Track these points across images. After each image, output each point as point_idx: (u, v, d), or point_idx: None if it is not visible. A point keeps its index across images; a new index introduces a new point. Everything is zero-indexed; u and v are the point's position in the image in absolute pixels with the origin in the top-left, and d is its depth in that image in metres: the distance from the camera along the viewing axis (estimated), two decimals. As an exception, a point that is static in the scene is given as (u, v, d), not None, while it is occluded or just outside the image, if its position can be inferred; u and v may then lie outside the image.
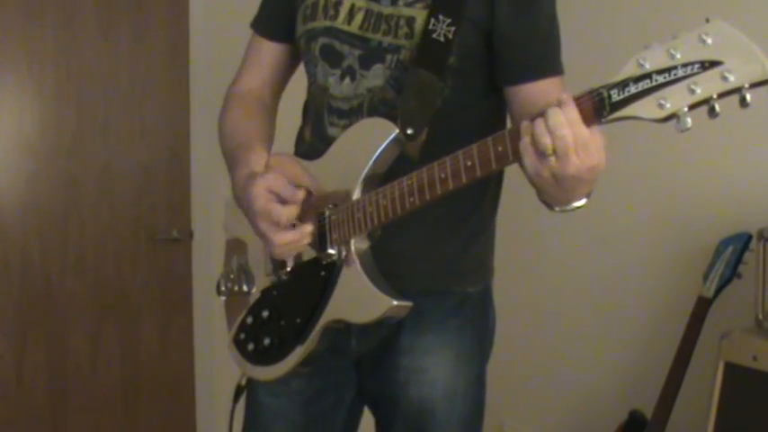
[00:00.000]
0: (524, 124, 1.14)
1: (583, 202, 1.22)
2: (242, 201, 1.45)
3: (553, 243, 3.00)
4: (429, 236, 1.49)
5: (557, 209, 1.25)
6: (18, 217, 3.13)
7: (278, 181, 1.39)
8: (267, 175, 1.41)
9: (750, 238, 2.32)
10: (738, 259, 2.33)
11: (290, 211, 1.39)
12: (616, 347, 2.90)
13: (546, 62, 1.45)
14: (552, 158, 1.11)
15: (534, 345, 3.16)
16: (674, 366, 2.35)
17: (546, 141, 1.10)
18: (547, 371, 3.14)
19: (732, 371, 2.15)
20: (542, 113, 1.11)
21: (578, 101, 1.07)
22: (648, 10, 2.72)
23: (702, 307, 2.34)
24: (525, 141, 1.13)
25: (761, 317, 2.17)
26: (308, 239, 1.41)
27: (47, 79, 3.14)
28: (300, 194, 1.39)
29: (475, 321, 1.56)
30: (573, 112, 1.09)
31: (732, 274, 2.33)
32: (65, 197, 3.19)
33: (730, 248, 2.35)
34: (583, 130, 1.09)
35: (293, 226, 1.40)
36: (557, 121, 1.09)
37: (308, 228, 1.40)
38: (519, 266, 2.93)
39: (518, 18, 1.41)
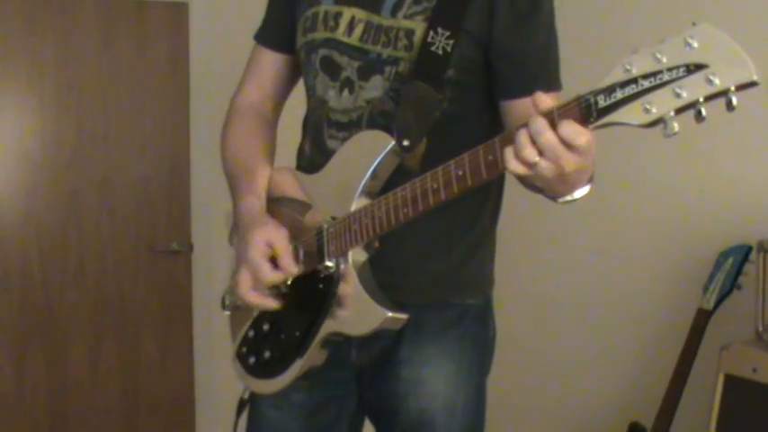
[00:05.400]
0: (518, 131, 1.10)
1: (587, 189, 1.20)
2: (241, 235, 1.46)
3: (552, 254, 3.00)
4: (429, 247, 1.49)
5: (560, 201, 1.22)
6: (18, 229, 3.13)
7: (281, 241, 1.41)
8: (276, 229, 1.42)
9: (750, 249, 2.32)
10: (738, 271, 2.33)
11: (275, 278, 1.40)
12: (616, 359, 2.89)
13: (541, 78, 1.44)
14: (543, 162, 1.07)
15: (533, 356, 3.15)
16: (673, 378, 2.35)
17: (529, 154, 1.06)
18: (546, 383, 3.14)
19: (732, 383, 2.15)
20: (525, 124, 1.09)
21: (565, 108, 1.05)
22: (650, 16, 2.72)
23: (702, 319, 2.34)
24: (510, 155, 1.09)
25: (761, 329, 2.17)
26: (269, 307, 1.44)
27: (47, 92, 3.15)
28: (294, 270, 1.40)
29: (475, 333, 1.56)
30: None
31: (732, 285, 2.33)
32: (65, 209, 3.19)
33: (730, 260, 2.35)
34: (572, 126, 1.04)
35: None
36: (538, 127, 1.05)
37: (272, 303, 1.43)
38: (518, 277, 2.93)
39: (515, 33, 1.41)
